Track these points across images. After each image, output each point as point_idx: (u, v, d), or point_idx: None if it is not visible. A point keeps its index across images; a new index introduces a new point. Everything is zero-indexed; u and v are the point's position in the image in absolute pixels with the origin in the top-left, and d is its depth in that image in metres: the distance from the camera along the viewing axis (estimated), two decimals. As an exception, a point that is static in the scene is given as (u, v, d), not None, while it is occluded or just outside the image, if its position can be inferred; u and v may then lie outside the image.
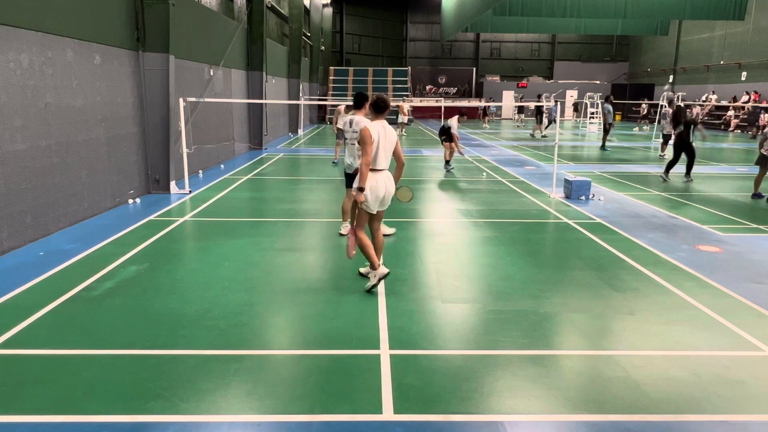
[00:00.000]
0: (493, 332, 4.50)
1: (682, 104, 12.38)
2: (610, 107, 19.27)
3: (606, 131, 19.27)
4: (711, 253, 6.79)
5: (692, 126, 12.11)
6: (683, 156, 12.21)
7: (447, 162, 13.81)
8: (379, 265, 5.36)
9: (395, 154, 5.45)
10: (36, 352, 4.10)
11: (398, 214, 8.37)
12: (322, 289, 5.48)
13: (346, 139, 7.03)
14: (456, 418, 3.32)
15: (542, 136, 24.55)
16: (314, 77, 31.79)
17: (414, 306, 5.02)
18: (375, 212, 5.38)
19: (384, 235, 6.93)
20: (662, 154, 17.11)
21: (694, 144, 12.16)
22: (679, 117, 12.26)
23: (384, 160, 5.26)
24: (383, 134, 5.21)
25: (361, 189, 5.14)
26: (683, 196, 10.46)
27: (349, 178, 7.11)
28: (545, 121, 25.74)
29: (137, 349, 4.15)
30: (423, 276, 5.88)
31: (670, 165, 12.24)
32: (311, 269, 6.02)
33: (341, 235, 7.38)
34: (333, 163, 14.97)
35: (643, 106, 32.93)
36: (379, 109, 5.29)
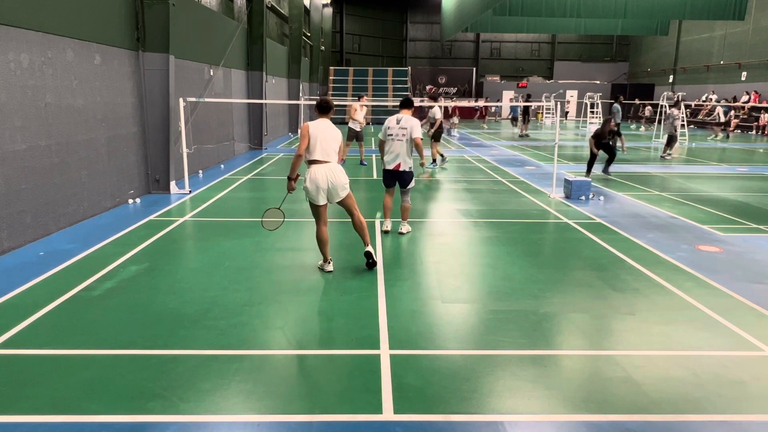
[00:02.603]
0: (493, 332, 4.50)
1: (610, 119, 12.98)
2: (619, 107, 19.15)
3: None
4: (711, 253, 6.79)
5: (612, 134, 12.54)
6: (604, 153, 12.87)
7: (434, 160, 14.09)
8: (330, 260, 5.96)
9: (340, 150, 5.86)
10: (36, 352, 4.10)
11: (399, 214, 8.35)
12: (322, 289, 5.49)
13: (390, 136, 7.34)
14: (456, 418, 3.32)
15: (519, 136, 25.07)
16: (314, 77, 31.78)
17: (414, 306, 5.02)
18: (320, 204, 5.70)
19: (400, 233, 7.60)
20: (665, 154, 16.97)
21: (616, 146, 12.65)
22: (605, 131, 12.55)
23: (320, 153, 5.62)
24: (322, 129, 5.66)
25: (288, 178, 5.77)
26: (683, 196, 10.46)
27: (389, 175, 7.50)
28: (520, 118, 26.03)
29: (137, 349, 4.15)
30: (423, 276, 5.88)
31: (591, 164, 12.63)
32: (311, 269, 6.02)
33: (384, 231, 7.63)
34: (362, 163, 14.60)
35: (648, 108, 32.90)
36: (322, 109, 5.84)
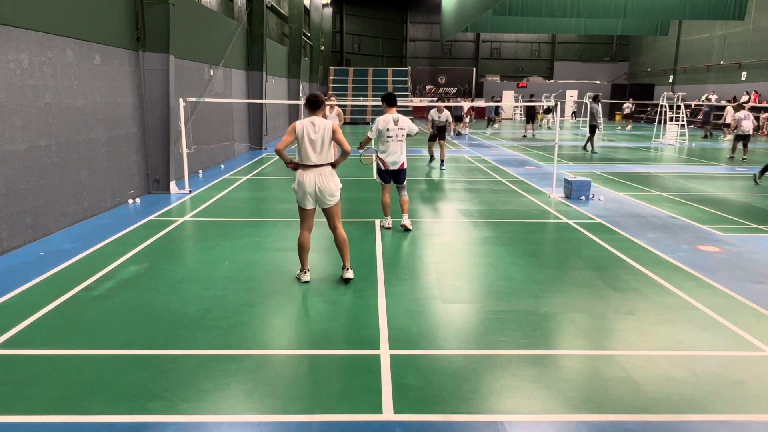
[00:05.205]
0: (493, 332, 4.50)
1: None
2: (598, 107, 19.01)
3: (593, 132, 19.00)
4: (711, 253, 6.79)
5: None
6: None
7: (442, 162, 14.03)
8: (307, 270, 5.66)
9: (339, 144, 5.44)
10: (36, 352, 4.10)
11: (399, 214, 8.35)
12: (322, 289, 5.48)
13: (390, 137, 7.42)
14: (456, 418, 3.32)
15: (527, 136, 24.93)
16: (314, 77, 31.78)
17: (414, 306, 5.02)
18: (307, 208, 5.45)
19: (404, 226, 7.69)
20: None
21: None
22: None
23: (313, 156, 5.33)
24: (311, 129, 5.33)
25: (286, 162, 5.45)
26: (683, 196, 10.47)
27: (385, 174, 7.60)
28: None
29: (137, 349, 4.15)
30: (423, 276, 5.88)
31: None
32: (311, 269, 6.01)
33: (386, 228, 7.81)
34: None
35: (626, 105, 32.69)
36: (311, 105, 5.48)
